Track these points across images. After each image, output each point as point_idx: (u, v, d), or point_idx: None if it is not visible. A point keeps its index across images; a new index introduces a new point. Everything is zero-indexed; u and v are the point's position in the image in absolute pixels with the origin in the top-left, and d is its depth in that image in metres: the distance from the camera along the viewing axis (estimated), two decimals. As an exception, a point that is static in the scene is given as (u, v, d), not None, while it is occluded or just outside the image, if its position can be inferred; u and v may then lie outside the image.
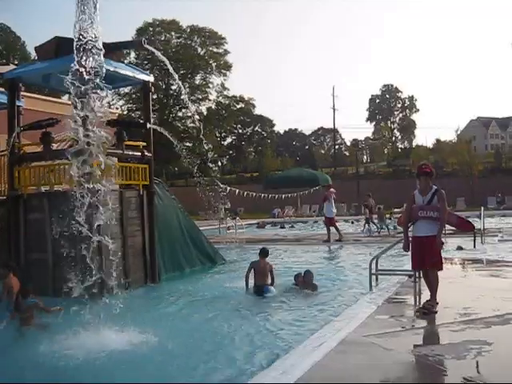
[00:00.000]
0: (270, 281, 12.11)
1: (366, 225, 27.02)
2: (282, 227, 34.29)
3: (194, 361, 7.08)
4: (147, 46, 13.95)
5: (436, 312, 8.62)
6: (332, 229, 23.12)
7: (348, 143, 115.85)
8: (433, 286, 8.93)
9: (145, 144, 14.11)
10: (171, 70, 16.43)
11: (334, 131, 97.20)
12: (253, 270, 12.22)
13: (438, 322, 8.25)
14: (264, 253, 12.40)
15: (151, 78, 14.68)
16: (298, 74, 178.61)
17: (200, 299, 11.75)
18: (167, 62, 15.09)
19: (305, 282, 12.02)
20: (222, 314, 10.09)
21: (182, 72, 75.52)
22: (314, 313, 9.93)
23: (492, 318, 8.07)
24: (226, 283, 13.60)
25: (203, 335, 8.41)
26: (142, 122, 15.44)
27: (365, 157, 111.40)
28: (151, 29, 78.36)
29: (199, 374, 6.60)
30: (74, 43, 9.24)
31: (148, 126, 14.20)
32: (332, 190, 24.82)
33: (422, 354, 6.39)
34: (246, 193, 35.46)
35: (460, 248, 17.55)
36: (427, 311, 8.62)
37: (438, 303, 8.86)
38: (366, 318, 8.26)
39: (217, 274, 15.60)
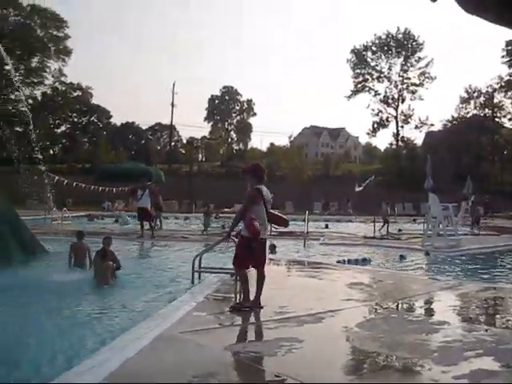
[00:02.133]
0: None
1: None
2: (116, 221, 33.60)
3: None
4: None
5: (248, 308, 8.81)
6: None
7: (185, 141, 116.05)
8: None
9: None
10: (2, 51, 15.43)
11: (171, 127, 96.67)
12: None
13: (254, 319, 8.42)
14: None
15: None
16: (139, 66, 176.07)
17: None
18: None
19: None
20: (28, 307, 9.61)
21: (18, 52, 71.77)
22: (132, 308, 9.80)
23: (305, 316, 8.34)
24: (43, 275, 12.97)
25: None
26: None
27: (200, 155, 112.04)
28: (-13, 2, 73.82)
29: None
30: None
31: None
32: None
33: (236, 351, 6.47)
34: (75, 183, 34.36)
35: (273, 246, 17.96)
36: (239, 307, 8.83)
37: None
38: (184, 314, 8.24)
39: (34, 266, 14.83)
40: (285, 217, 10.25)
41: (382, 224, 28.26)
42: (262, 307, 8.87)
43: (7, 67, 69.72)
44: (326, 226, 32.05)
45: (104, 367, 5.64)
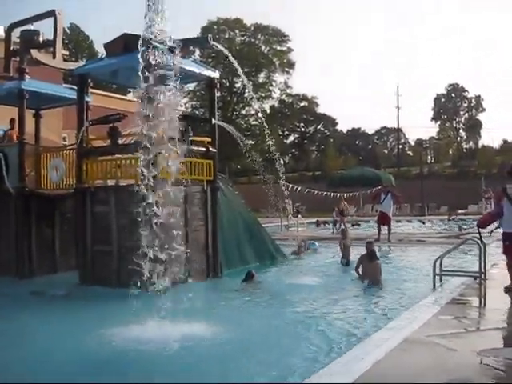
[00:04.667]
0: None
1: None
2: (353, 225, 33.99)
3: (262, 356, 7.15)
4: (213, 43, 14.08)
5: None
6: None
7: (412, 143, 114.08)
8: None
9: (209, 139, 14.24)
10: (235, 63, 16.51)
11: (397, 130, 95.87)
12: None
13: (503, 324, 8.09)
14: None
15: (217, 75, 14.77)
16: (361, 72, 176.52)
17: (262, 294, 11.84)
18: (230, 56, 15.26)
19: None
20: (283, 310, 10.15)
21: (245, 70, 75.77)
22: (376, 309, 10.05)
23: None
24: (286, 279, 13.70)
25: (272, 330, 8.52)
26: (206, 117, 15.63)
27: (429, 157, 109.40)
28: (215, 27, 78.89)
29: (268, 369, 6.59)
30: (140, 39, 9.44)
31: (213, 121, 14.35)
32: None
33: (488, 356, 6.23)
34: (307, 190, 35.40)
35: None
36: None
37: None
38: (429, 317, 8.16)
39: (278, 271, 15.68)
40: None
41: None
42: None
43: (237, 85, 74.49)
44: None
45: (357, 367, 5.77)
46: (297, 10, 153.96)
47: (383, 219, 23.42)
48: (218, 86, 14.92)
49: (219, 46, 14.93)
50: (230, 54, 15.35)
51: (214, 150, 14.12)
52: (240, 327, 8.66)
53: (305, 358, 6.90)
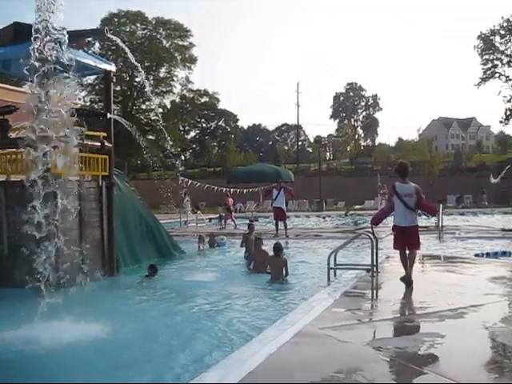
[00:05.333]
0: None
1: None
2: (250, 221, 34.21)
3: (147, 355, 7.06)
4: (110, 35, 13.79)
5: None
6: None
7: (311, 140, 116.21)
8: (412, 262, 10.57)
9: (105, 134, 13.91)
10: (132, 59, 16.13)
11: (297, 127, 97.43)
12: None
13: (393, 315, 8.34)
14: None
15: (113, 68, 14.45)
16: (262, 68, 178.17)
17: (158, 292, 11.71)
18: (128, 51, 14.96)
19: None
20: (180, 307, 10.08)
21: (146, 64, 74.80)
22: (273, 304, 10.14)
23: (446, 311, 8.16)
24: (186, 276, 13.65)
25: (161, 329, 8.38)
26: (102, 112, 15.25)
27: (328, 154, 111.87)
28: (116, 19, 77.31)
29: (152, 369, 6.54)
30: (33, 29, 9.07)
31: (108, 116, 14.03)
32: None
33: (377, 347, 6.40)
34: (206, 186, 35.37)
35: None
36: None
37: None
38: (322, 310, 8.28)
39: (177, 267, 15.55)
40: (432, 205, 12.26)
41: None
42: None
43: (138, 79, 73.37)
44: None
45: (249, 362, 5.77)
46: (199, 6, 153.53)
47: (278, 214, 23.83)
48: (115, 79, 14.61)
49: (115, 39, 14.57)
50: (125, 47, 14.99)
51: (110, 145, 13.80)
52: (134, 325, 8.54)
53: (196, 355, 6.88)
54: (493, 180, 45.80)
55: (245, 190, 39.52)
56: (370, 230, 12.02)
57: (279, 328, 7.35)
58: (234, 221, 30.02)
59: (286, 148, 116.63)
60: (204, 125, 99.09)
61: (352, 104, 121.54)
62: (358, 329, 7.37)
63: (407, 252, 10.63)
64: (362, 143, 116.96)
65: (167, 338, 7.84)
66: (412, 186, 10.64)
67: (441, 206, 22.67)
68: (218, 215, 31.96)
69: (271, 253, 13.11)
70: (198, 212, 30.59)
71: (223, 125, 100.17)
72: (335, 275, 11.46)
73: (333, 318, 7.83)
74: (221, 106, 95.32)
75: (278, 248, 12.89)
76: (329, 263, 11.24)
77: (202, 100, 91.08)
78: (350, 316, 8.03)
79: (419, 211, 11.12)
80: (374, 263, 11.12)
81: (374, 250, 11.11)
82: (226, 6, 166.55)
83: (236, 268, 15.09)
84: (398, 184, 10.66)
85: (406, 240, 10.60)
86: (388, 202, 11.28)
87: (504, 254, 16.13)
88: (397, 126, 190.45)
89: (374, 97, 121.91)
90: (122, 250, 14.56)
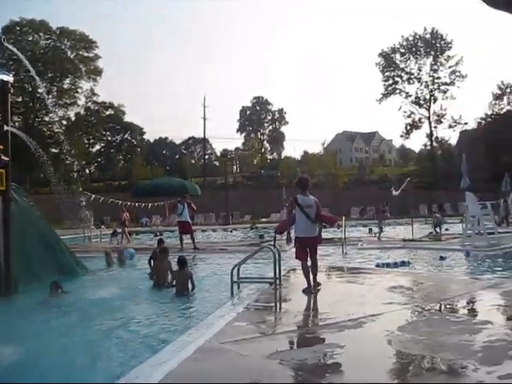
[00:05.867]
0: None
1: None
2: (156, 235, 33.77)
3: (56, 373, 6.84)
4: (7, 45, 13.34)
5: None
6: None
7: (218, 153, 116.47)
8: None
9: (1, 147, 13.37)
10: (31, 70, 15.79)
11: (204, 141, 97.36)
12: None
13: (295, 327, 8.40)
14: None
15: (10, 78, 13.96)
16: (168, 82, 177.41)
17: (60, 310, 11.35)
18: (26, 62, 14.54)
19: None
20: (81, 325, 9.80)
21: (50, 75, 73.27)
22: (176, 319, 9.95)
23: (346, 321, 8.29)
24: (86, 293, 13.27)
25: (61, 348, 8.11)
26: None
27: (234, 167, 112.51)
28: (18, 28, 75.19)
29: None
30: None
31: (5, 128, 13.52)
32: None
33: (278, 359, 6.43)
34: (110, 200, 34.72)
35: None
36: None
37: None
38: (224, 325, 8.25)
39: (78, 284, 15.10)
40: (331, 216, 13.44)
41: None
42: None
43: (40, 90, 71.49)
44: (370, 231, 31.76)
45: (150, 378, 5.68)
46: (105, 17, 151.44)
47: (184, 229, 23.81)
48: (12, 90, 14.11)
49: (11, 48, 14.11)
50: (23, 57, 14.58)
51: (7, 159, 13.29)
52: (36, 345, 8.24)
53: (96, 374, 6.72)
54: (394, 192, 47.21)
55: (149, 205, 39.05)
56: (274, 242, 12.20)
57: (180, 344, 7.25)
58: (127, 236, 29.46)
59: (193, 161, 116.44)
60: (109, 138, 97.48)
61: (258, 118, 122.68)
62: (260, 342, 7.38)
63: (309, 262, 11.07)
64: (269, 156, 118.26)
65: (66, 357, 7.60)
66: (312, 198, 11.21)
67: (344, 218, 23.15)
68: (111, 231, 30.83)
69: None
70: (103, 227, 30.00)
71: (129, 138, 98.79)
72: (239, 289, 11.47)
73: (235, 331, 7.81)
74: (127, 118, 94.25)
75: (182, 261, 12.83)
76: (232, 277, 11.24)
77: (108, 112, 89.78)
78: (252, 329, 8.03)
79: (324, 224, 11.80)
80: (277, 276, 11.21)
81: (277, 263, 11.20)
82: (133, 18, 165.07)
83: (142, 283, 14.83)
84: (299, 196, 11.16)
85: (309, 250, 11.10)
86: (290, 214, 11.73)
87: (403, 263, 16.66)
88: (303, 139, 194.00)
89: (280, 111, 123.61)
90: (20, 268, 14.01)
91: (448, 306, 9.88)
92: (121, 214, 30.94)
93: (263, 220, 45.54)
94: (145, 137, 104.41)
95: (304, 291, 11.03)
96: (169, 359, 6.43)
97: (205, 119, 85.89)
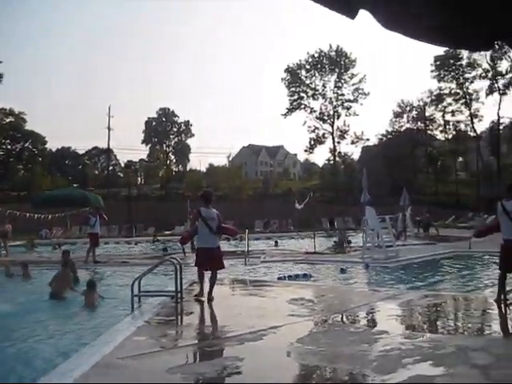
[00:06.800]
0: None
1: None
2: (55, 248, 32.72)
3: None
4: None
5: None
6: None
7: (122, 164, 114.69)
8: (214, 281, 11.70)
9: None
10: None
11: (108, 151, 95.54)
12: None
13: (195, 341, 8.37)
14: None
15: None
16: (71, 90, 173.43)
17: None
18: None
19: None
20: None
21: None
22: (71, 335, 9.68)
23: (247, 334, 8.31)
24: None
25: None
26: None
27: (139, 178, 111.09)
28: None
29: None
30: None
31: None
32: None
33: (177, 374, 6.38)
34: (8, 211, 33.38)
35: None
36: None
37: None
38: (123, 339, 8.08)
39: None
40: (232, 228, 13.84)
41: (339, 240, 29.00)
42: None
43: None
44: (276, 243, 32.01)
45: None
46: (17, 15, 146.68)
47: (96, 241, 23.36)
48: None
49: None
50: None
51: None
52: None
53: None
54: (298, 206, 47.91)
55: (49, 216, 37.94)
56: (177, 255, 12.41)
57: (76, 361, 7.04)
58: (6, 249, 27.98)
59: (97, 172, 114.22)
60: (9, 146, 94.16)
61: (164, 129, 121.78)
62: (160, 356, 7.27)
63: (209, 272, 11.70)
64: (174, 169, 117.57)
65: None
66: (214, 211, 11.73)
67: (247, 230, 23.28)
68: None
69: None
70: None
71: (30, 146, 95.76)
72: (139, 302, 11.30)
73: (133, 346, 7.68)
74: (28, 126, 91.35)
75: (91, 285, 13.12)
76: (132, 290, 11.04)
77: (7, 120, 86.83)
78: (152, 343, 7.91)
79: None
80: (179, 289, 11.15)
81: (178, 276, 11.17)
82: (39, 21, 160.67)
83: (43, 297, 14.38)
84: (203, 209, 11.64)
85: (210, 261, 11.55)
86: (193, 225, 12.20)
87: (305, 276, 16.93)
88: (209, 152, 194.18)
89: (187, 123, 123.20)
90: None
91: (347, 318, 10.08)
92: (4, 226, 29.35)
93: (167, 233, 45.09)
94: (47, 146, 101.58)
95: (196, 298, 11.63)
96: (62, 378, 6.24)
97: (109, 129, 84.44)
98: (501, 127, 73.85)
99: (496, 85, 71.34)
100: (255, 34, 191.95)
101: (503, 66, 70.25)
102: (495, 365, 6.49)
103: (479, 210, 48.19)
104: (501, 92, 70.81)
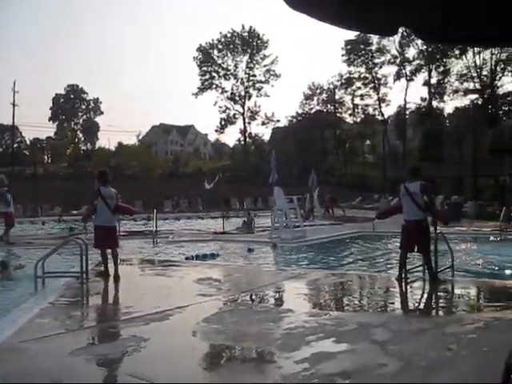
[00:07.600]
0: None
1: None
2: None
3: None
4: None
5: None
6: None
7: (28, 142, 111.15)
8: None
9: None
10: None
11: (13, 128, 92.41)
12: None
13: (100, 321, 8.29)
14: None
15: None
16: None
17: None
18: None
19: None
20: None
21: None
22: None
23: (152, 314, 8.30)
24: None
25: None
26: None
27: (46, 157, 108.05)
28: None
29: None
30: None
31: None
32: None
33: (81, 355, 6.30)
34: None
35: None
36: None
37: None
38: (25, 322, 7.90)
39: None
40: (129, 207, 14.33)
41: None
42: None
43: None
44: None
45: None
46: None
47: (11, 220, 22.54)
48: None
49: None
50: None
51: None
52: None
53: None
54: (207, 185, 47.83)
55: None
56: (83, 235, 12.47)
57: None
58: None
59: (1, 150, 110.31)
60: None
61: (72, 107, 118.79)
62: (63, 338, 7.15)
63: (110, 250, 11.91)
64: (82, 147, 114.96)
65: None
66: (113, 190, 12.04)
67: (155, 210, 23.06)
68: None
69: None
70: None
71: None
72: (44, 284, 11.06)
73: (36, 328, 7.53)
74: None
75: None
76: (36, 271, 10.82)
77: None
78: (56, 325, 7.79)
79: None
80: (84, 269, 10.99)
81: (84, 256, 11.00)
82: None
83: None
84: (102, 188, 11.91)
85: (108, 239, 11.85)
86: (92, 204, 12.25)
87: (212, 255, 17.01)
88: (118, 131, 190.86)
89: (96, 100, 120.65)
90: None
91: (253, 297, 10.18)
92: None
93: (74, 212, 44.14)
94: None
95: (103, 277, 11.75)
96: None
97: (14, 105, 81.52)
98: (407, 112, 76.17)
99: (403, 71, 73.50)
100: (168, 12, 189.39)
101: (410, 52, 72.44)
102: (394, 340, 6.72)
103: (385, 191, 49.50)
104: (408, 78, 73.09)
